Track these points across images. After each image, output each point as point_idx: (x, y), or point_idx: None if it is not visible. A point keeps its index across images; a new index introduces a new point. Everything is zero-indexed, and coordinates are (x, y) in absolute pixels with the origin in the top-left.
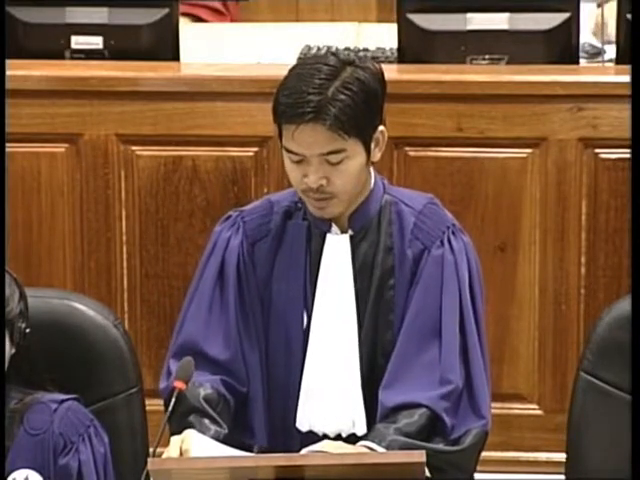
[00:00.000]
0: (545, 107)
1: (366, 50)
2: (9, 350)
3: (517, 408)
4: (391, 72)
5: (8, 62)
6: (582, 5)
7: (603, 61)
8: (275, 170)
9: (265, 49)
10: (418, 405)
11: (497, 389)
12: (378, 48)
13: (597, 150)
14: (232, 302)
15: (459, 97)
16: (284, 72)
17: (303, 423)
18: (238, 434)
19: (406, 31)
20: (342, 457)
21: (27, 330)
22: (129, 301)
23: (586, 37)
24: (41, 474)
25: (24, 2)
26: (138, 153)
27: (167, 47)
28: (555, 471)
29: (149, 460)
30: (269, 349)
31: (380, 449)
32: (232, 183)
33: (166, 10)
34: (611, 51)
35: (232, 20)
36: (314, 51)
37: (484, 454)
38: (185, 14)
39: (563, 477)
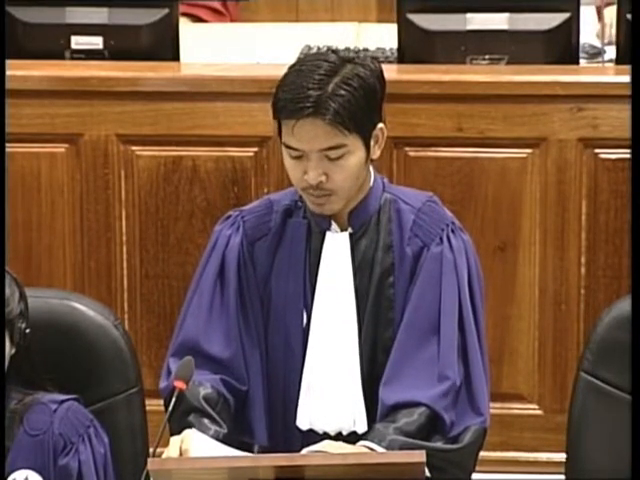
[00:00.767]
0: (545, 107)
1: (366, 50)
2: (9, 350)
3: (517, 408)
4: (391, 72)
5: (8, 62)
6: (585, 8)
7: (603, 61)
8: (275, 170)
9: (265, 49)
10: (417, 404)
11: (497, 389)
12: (378, 48)
13: (597, 150)
14: (232, 301)
15: (459, 97)
16: (284, 72)
17: (303, 422)
18: (238, 434)
19: (406, 31)
20: (342, 457)
21: (27, 330)
22: (129, 301)
23: (586, 37)
24: (41, 474)
25: (24, 2)
26: (138, 153)
27: (167, 47)
28: (555, 471)
29: (149, 460)
30: (269, 348)
31: (380, 449)
32: (232, 183)
33: (166, 10)
34: (611, 51)
35: (232, 20)
36: (314, 51)
37: (484, 454)
38: (185, 14)
39: (563, 477)
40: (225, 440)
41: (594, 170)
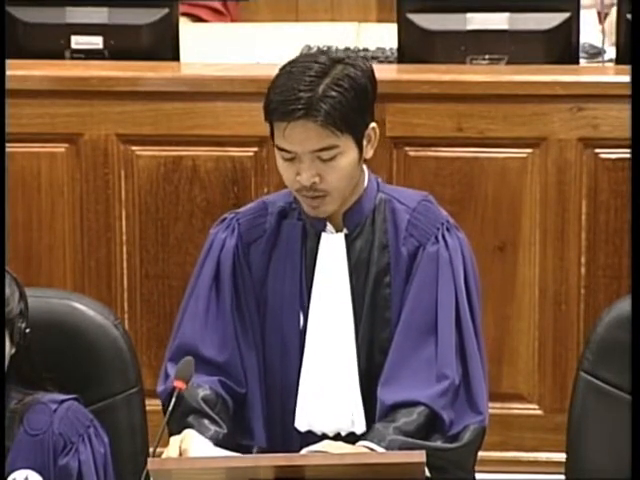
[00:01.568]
0: (545, 107)
1: (366, 50)
2: (9, 350)
3: (517, 408)
4: (391, 72)
5: (8, 62)
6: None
7: (603, 61)
8: (275, 170)
9: (265, 49)
10: (416, 403)
11: (497, 389)
12: (378, 48)
13: (597, 150)
14: (229, 304)
15: (459, 97)
16: (275, 74)
17: (302, 423)
18: (237, 436)
19: (406, 31)
20: (342, 457)
21: (27, 330)
22: (129, 301)
23: (586, 37)
24: (41, 474)
25: (24, 2)
26: (138, 153)
27: (167, 47)
28: (555, 471)
29: (149, 460)
30: (266, 349)
31: (380, 449)
32: (232, 183)
33: (166, 10)
34: (611, 51)
35: (232, 20)
36: (314, 51)
37: (484, 454)
38: (185, 14)
39: (563, 477)
40: (225, 441)
41: (594, 170)
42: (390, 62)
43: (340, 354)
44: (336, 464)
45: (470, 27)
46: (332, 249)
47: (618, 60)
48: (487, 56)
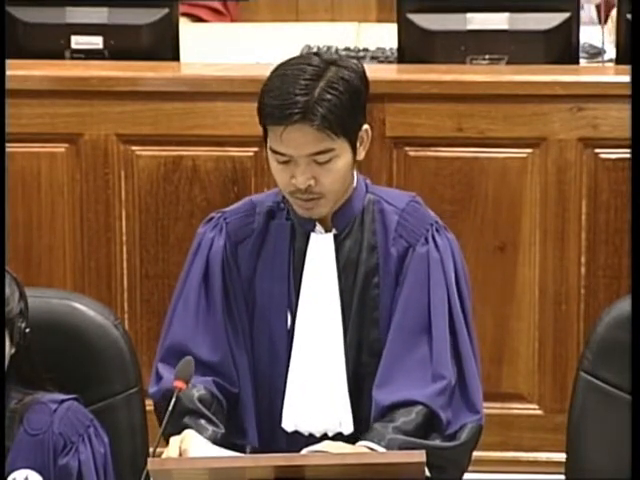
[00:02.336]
0: (545, 107)
1: (366, 50)
2: (9, 350)
3: (517, 408)
4: (391, 72)
5: (8, 62)
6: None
7: (603, 61)
8: None
9: (265, 49)
10: (414, 403)
11: (497, 389)
12: (378, 48)
13: (597, 150)
14: (218, 303)
15: (459, 97)
16: (267, 77)
17: (289, 423)
18: (231, 435)
19: (406, 31)
20: (342, 457)
21: (27, 330)
22: (129, 301)
23: (586, 37)
24: (41, 474)
25: (24, 2)
26: (138, 153)
27: (167, 47)
28: (555, 471)
29: (149, 460)
30: (254, 349)
31: (380, 448)
32: (232, 183)
33: (166, 10)
34: (611, 51)
35: (232, 20)
36: (314, 51)
37: (484, 454)
38: (185, 14)
39: (563, 477)
40: (222, 441)
41: (594, 170)
42: (390, 62)
43: (328, 354)
44: (336, 464)
45: (470, 27)
46: (321, 249)
47: (618, 60)
48: (487, 56)
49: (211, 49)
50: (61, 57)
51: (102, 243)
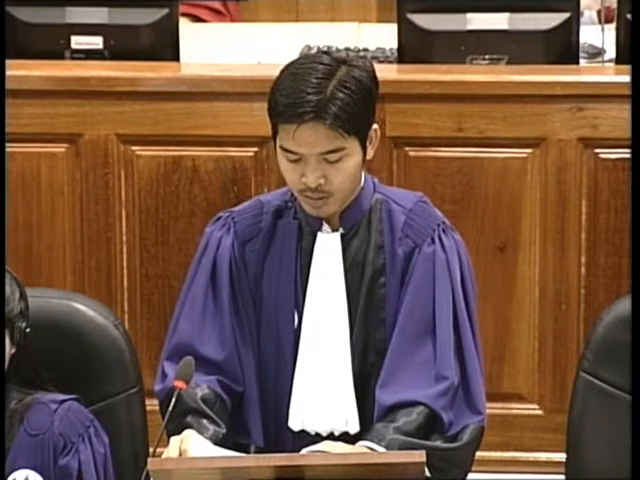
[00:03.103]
0: (545, 107)
1: (366, 50)
2: (9, 350)
3: (517, 408)
4: (391, 72)
5: (8, 62)
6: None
7: (603, 61)
8: (275, 170)
9: (265, 49)
10: (416, 403)
11: (497, 389)
12: (378, 48)
13: (597, 150)
14: (225, 302)
15: (459, 97)
16: (277, 75)
17: (295, 422)
18: (234, 435)
19: (406, 31)
20: (342, 457)
21: (27, 330)
22: (129, 301)
23: (586, 37)
24: (41, 474)
25: (24, 2)
26: (138, 153)
27: (167, 47)
28: (555, 471)
29: (149, 460)
30: (261, 348)
31: (380, 449)
32: (232, 183)
33: (166, 10)
34: (611, 51)
35: (232, 20)
36: (314, 51)
37: (484, 454)
38: (185, 14)
39: (563, 477)
40: (224, 441)
41: (594, 170)
42: (390, 62)
43: (334, 354)
44: (336, 464)
45: (470, 27)
46: (328, 249)
47: (618, 60)
48: (487, 56)
49: (211, 49)
50: (61, 57)
51: (102, 243)
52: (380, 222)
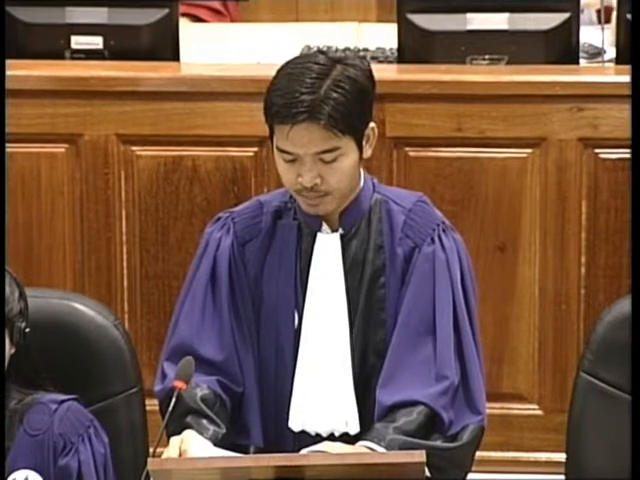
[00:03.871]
0: (545, 107)
1: (366, 50)
2: (9, 350)
3: (517, 408)
4: (391, 72)
5: (8, 62)
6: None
7: (603, 61)
8: (275, 170)
9: (265, 49)
10: (416, 403)
11: (497, 389)
12: (378, 48)
13: (597, 150)
14: (225, 303)
15: (459, 97)
16: (273, 75)
17: (296, 423)
18: (234, 435)
19: (406, 31)
20: (342, 457)
21: (27, 330)
22: (129, 301)
23: (586, 37)
24: (41, 474)
25: (24, 2)
26: (138, 153)
27: (167, 47)
28: (555, 471)
29: (149, 460)
30: (261, 349)
31: (380, 449)
32: (232, 183)
33: (166, 10)
34: (611, 51)
35: (232, 20)
36: (314, 51)
37: (484, 454)
38: (185, 14)
39: (563, 477)
40: (223, 441)
41: (594, 170)
42: (390, 62)
43: (334, 354)
44: (336, 464)
45: (470, 27)
46: (327, 249)
47: (618, 60)
48: (487, 56)
49: (211, 49)
50: (61, 57)
51: (102, 243)
52: (380, 222)
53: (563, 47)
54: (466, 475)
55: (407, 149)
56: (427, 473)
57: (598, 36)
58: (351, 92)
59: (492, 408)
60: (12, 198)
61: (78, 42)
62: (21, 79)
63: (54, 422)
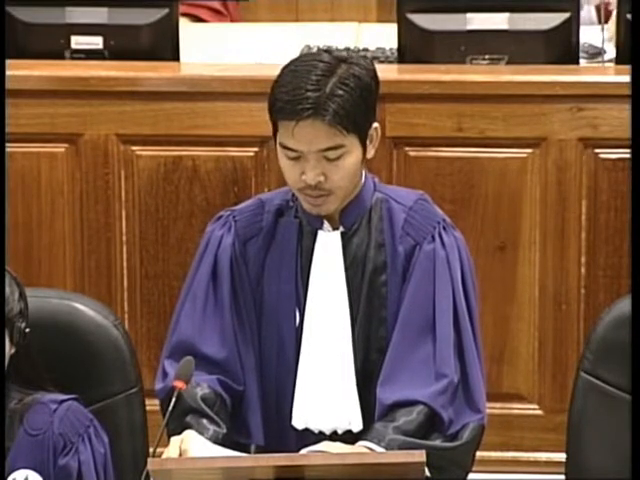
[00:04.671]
0: (545, 107)
1: (366, 50)
2: (9, 350)
3: (517, 408)
4: (391, 72)
5: (8, 62)
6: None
7: (603, 61)
8: (275, 170)
9: (265, 49)
10: (416, 402)
11: (497, 389)
12: (378, 48)
13: (597, 150)
14: (226, 301)
15: (459, 97)
16: (278, 73)
17: (299, 421)
18: (235, 434)
19: (406, 31)
20: (342, 457)
21: (27, 330)
22: (129, 301)
23: (586, 37)
24: (41, 474)
25: (24, 2)
26: (138, 153)
27: (167, 47)
28: (555, 471)
29: (149, 460)
30: (262, 347)
31: (379, 449)
32: (232, 183)
33: (166, 10)
34: (611, 51)
35: (232, 20)
36: (314, 51)
37: (484, 454)
38: (185, 14)
39: (563, 477)
40: (224, 441)
41: (594, 170)
42: (390, 62)
43: (336, 352)
44: (336, 464)
45: (470, 27)
46: (328, 247)
47: (618, 60)
48: (487, 56)
49: (211, 49)
50: (61, 57)
51: (102, 243)
52: (380, 220)
53: (563, 47)
54: (467, 475)
55: (407, 149)
56: (427, 473)
57: (598, 36)
58: (356, 90)
59: (492, 408)
60: (12, 198)
61: (78, 42)
62: (21, 79)
63: (54, 422)
